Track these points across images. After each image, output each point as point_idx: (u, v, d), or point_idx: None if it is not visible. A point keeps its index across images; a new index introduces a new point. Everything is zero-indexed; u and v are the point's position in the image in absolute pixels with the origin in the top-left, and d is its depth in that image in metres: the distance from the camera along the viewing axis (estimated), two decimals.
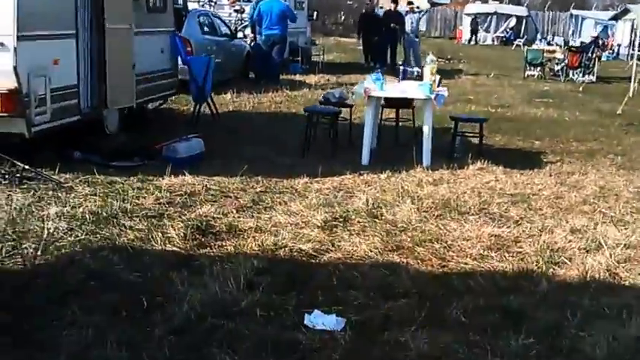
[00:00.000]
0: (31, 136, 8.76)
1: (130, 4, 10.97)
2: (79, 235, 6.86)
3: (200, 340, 5.01)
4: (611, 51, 43.71)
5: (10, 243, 6.42)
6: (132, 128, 11.56)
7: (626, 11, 41.94)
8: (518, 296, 6.04)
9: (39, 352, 4.67)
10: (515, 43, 50.77)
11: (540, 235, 7.61)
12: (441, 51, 34.40)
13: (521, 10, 56.13)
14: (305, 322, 5.36)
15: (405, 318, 5.51)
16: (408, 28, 26.62)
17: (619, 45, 43.39)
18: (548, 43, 30.07)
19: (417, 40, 26.93)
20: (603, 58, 42.69)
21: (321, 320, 5.40)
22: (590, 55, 26.41)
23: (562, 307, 5.85)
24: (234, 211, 8.04)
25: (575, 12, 53.62)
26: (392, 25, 26.45)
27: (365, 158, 10.74)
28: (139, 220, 7.47)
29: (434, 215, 8.21)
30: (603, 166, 11.43)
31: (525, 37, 52.03)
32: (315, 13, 29.33)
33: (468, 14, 56.33)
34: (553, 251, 7.12)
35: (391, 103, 12.17)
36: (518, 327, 5.44)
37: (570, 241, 7.47)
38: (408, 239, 7.32)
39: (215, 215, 7.78)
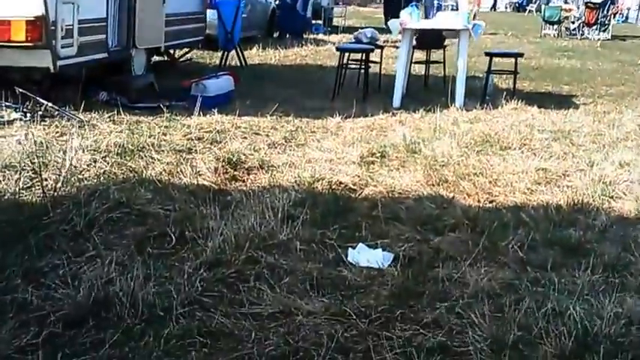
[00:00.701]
0: (56, 70, 7.78)
1: None
2: (104, 166, 6.00)
3: (235, 275, 4.18)
4: (621, 14, 42.35)
5: (28, 174, 5.57)
6: (159, 72, 10.71)
7: None
8: (576, 230, 5.16)
9: (56, 289, 3.85)
10: (528, 9, 49.39)
11: (589, 169, 6.73)
12: None
13: None
14: (349, 258, 4.52)
15: (457, 252, 4.65)
16: None
17: (628, 9, 42.01)
18: (565, 1, 28.78)
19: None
20: (613, 22, 41.60)
21: (366, 255, 4.54)
22: (606, 12, 25.26)
23: (624, 242, 4.99)
24: (267, 147, 7.20)
25: None
26: None
27: (397, 100, 9.84)
28: (167, 153, 6.61)
29: (474, 150, 7.34)
30: (637, 106, 10.49)
31: (537, 2, 50.56)
32: None
33: None
34: (606, 184, 6.23)
35: (423, 43, 11.22)
36: (580, 262, 4.59)
37: (621, 174, 6.59)
38: (451, 173, 6.43)
39: (246, 151, 6.93)
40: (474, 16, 10.07)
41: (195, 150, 6.85)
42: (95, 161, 6.11)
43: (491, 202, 5.85)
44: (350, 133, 7.95)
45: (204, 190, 5.71)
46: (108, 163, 6.08)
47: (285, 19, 19.39)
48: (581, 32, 25.14)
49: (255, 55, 15.48)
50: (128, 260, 4.30)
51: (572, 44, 22.18)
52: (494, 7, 53.49)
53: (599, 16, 25.00)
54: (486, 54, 10.66)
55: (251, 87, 10.65)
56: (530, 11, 48.95)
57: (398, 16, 25.62)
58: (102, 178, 5.77)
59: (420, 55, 11.92)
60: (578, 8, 28.28)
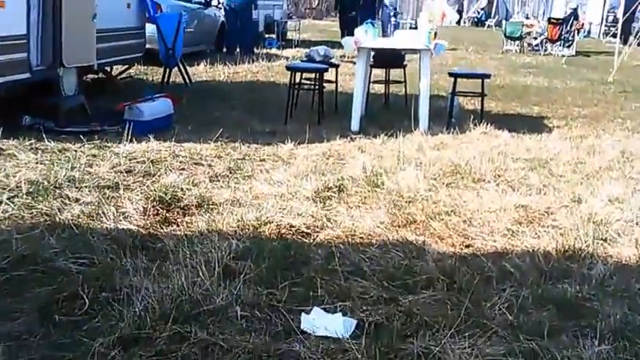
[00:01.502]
0: None
1: None
2: (9, 209, 5.16)
3: (156, 358, 3.39)
4: (583, 29, 42.23)
5: None
6: (92, 92, 9.86)
7: None
8: (570, 283, 4.45)
9: None
10: (487, 23, 49.23)
11: (575, 206, 6.05)
12: None
13: None
14: (302, 326, 3.75)
15: (434, 317, 3.89)
16: (386, 0, 24.90)
17: (590, 23, 41.90)
18: (527, 17, 28.38)
19: (395, 10, 25.21)
20: (578, 38, 41.44)
21: (323, 322, 3.77)
22: (569, 28, 24.87)
23: (629, 297, 4.31)
24: (208, 180, 6.41)
25: None
26: None
27: (355, 123, 9.09)
28: (89, 191, 5.78)
29: (443, 183, 6.61)
30: (614, 129, 9.88)
31: (497, 17, 50.44)
32: None
33: None
34: (597, 225, 5.54)
35: (381, 62, 10.51)
36: (582, 326, 3.88)
37: (612, 212, 5.90)
38: (420, 212, 5.70)
39: (183, 185, 6.13)
40: (435, 34, 9.34)
41: (124, 185, 6.03)
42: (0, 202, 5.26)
43: (467, 246, 5.11)
44: (304, 162, 7.19)
45: (130, 237, 4.89)
46: (15, 205, 5.24)
47: (235, 33, 18.60)
48: (544, 48, 24.72)
49: (203, 72, 14.68)
50: (27, 334, 3.50)
51: (535, 61, 21.67)
52: (459, 22, 53.30)
53: (563, 32, 24.58)
54: (450, 74, 9.91)
55: (194, 108, 9.85)
56: (489, 26, 48.80)
57: (354, 33, 25.07)
58: (5, 224, 4.93)
59: (379, 72, 11.22)
60: (539, 22, 27.94)
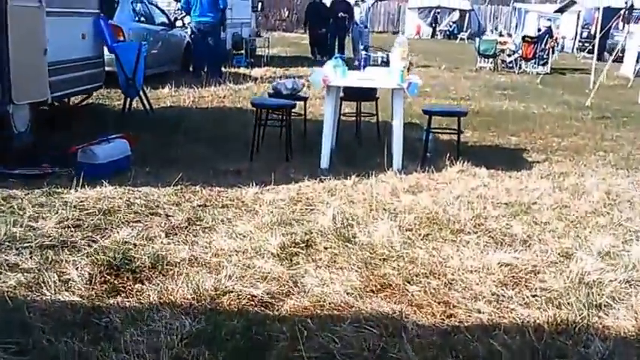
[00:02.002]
0: None
1: None
2: None
3: None
4: (557, 44, 42.18)
5: None
6: (48, 128, 9.36)
7: (571, 3, 40.41)
8: None
9: None
10: (460, 36, 49.19)
11: (563, 262, 5.64)
12: (386, 44, 32.47)
13: (465, 4, 54.30)
14: None
15: None
16: (357, 17, 24.57)
17: (564, 38, 41.83)
18: (500, 34, 28.13)
19: (366, 30, 24.88)
20: (553, 56, 41.35)
21: None
22: (544, 45, 24.66)
23: None
24: (163, 234, 5.94)
25: (517, 5, 52.03)
26: (340, 14, 24.47)
27: (325, 161, 8.65)
28: (31, 253, 5.28)
29: (420, 235, 6.18)
30: (597, 165, 9.51)
31: (469, 30, 50.43)
32: (260, 3, 27.10)
33: (412, 8, 54.56)
34: (589, 287, 5.13)
35: (351, 95, 10.07)
36: None
37: (603, 269, 5.50)
38: (395, 273, 5.27)
39: (137, 241, 5.66)
40: (409, 68, 8.92)
41: (70, 244, 5.54)
42: None
43: (449, 316, 4.67)
44: (269, 209, 6.74)
45: (72, 311, 4.41)
46: None
47: (202, 55, 18.14)
48: (518, 66, 24.48)
49: (167, 96, 14.21)
50: None
51: (510, 79, 21.43)
52: (433, 34, 53.31)
53: (537, 50, 24.36)
54: (425, 112, 9.43)
55: (154, 144, 9.34)
56: (461, 39, 48.72)
57: (324, 49, 24.62)
58: None
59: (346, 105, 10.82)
60: (513, 39, 27.71)
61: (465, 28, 52.29)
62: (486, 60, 25.04)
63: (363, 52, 10.43)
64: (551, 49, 24.88)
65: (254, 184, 7.54)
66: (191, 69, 18.68)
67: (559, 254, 5.83)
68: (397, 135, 8.58)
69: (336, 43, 24.98)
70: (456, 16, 53.23)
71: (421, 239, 6.08)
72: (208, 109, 13.19)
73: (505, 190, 7.80)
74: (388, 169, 8.36)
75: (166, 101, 13.61)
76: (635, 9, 31.85)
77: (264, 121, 9.45)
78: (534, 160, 9.71)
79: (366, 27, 24.86)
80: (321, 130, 8.85)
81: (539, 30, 28.02)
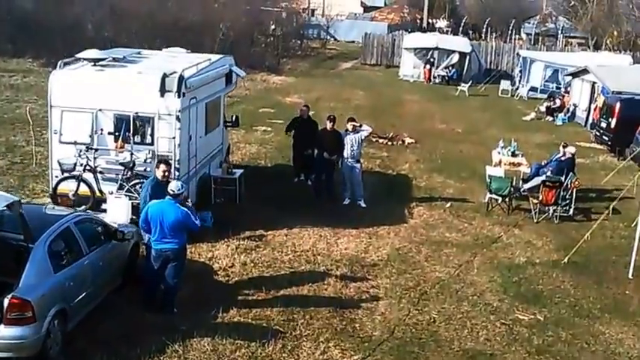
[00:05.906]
0: None
1: None
2: None
3: None
4: (566, 110, 38.29)
5: None
6: None
7: (584, 71, 36.49)
8: None
9: None
10: (460, 88, 45.15)
11: None
12: (376, 109, 28.84)
13: (465, 46, 50.04)
14: None
15: None
16: (347, 152, 20.49)
17: (575, 105, 37.88)
18: (513, 154, 23.99)
19: (357, 165, 20.84)
20: (558, 122, 37.39)
21: None
22: (567, 186, 20.78)
23: None
24: None
25: (523, 53, 48.00)
26: (324, 154, 20.57)
27: None
28: None
29: None
30: None
31: (471, 81, 46.42)
32: (235, 116, 22.88)
33: (408, 48, 50.47)
34: None
35: None
36: None
37: None
38: None
39: None
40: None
41: None
42: None
43: None
44: None
45: None
46: None
47: (147, 289, 13.68)
48: (538, 212, 20.70)
49: None
50: None
51: (536, 235, 17.71)
52: (429, 79, 49.48)
53: (560, 193, 20.59)
54: None
55: None
56: (462, 91, 44.82)
57: (308, 170, 20.06)
58: None
59: None
60: (524, 159, 23.88)
61: (464, 72, 48.41)
62: (497, 201, 21.25)
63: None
64: (574, 190, 20.89)
65: None
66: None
67: None
68: None
69: (324, 178, 21.13)
70: (455, 58, 48.98)
71: None
72: None
73: None
74: None
75: None
76: None
77: None
78: None
79: (357, 161, 20.88)
80: None
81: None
